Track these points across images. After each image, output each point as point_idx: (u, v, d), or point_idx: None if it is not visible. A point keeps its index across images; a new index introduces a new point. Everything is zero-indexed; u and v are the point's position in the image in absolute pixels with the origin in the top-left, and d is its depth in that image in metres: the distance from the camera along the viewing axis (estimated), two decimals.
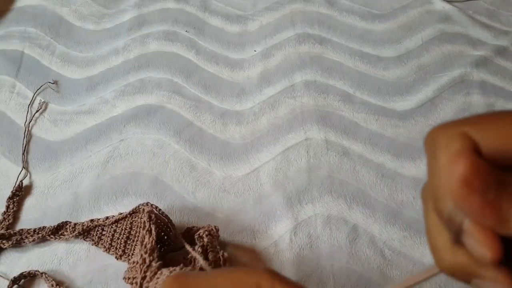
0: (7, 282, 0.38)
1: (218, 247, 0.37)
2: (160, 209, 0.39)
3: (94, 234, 0.41)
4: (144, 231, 0.35)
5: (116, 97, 0.53)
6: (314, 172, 0.46)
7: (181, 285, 0.20)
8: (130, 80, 0.55)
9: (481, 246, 0.15)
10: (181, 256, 0.38)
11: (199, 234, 0.37)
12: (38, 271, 0.39)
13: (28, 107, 0.52)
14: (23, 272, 0.38)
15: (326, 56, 0.58)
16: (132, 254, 0.39)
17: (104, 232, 0.41)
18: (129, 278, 0.35)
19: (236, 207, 0.44)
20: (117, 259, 0.39)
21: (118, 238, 0.40)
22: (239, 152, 0.48)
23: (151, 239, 0.35)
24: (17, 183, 0.45)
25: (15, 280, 0.38)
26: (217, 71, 0.56)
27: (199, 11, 0.64)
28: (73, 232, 0.41)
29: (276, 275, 0.20)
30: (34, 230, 0.41)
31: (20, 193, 0.44)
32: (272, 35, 0.61)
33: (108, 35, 0.61)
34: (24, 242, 0.41)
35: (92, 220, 0.41)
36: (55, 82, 0.55)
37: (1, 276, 0.39)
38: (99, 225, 0.41)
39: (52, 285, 0.38)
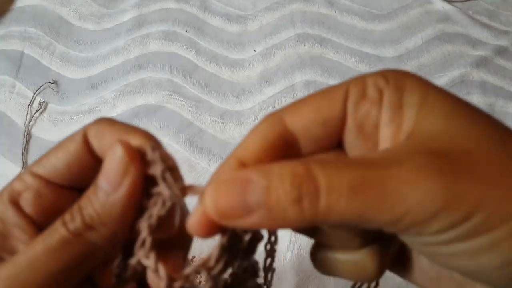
0: None
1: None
2: None
3: None
4: None
5: (116, 97, 0.53)
6: None
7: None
8: (130, 80, 0.55)
9: None
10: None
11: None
12: None
13: (28, 107, 0.52)
14: None
15: (326, 56, 0.58)
16: None
17: None
18: None
19: None
20: None
21: None
22: None
23: None
24: None
25: None
26: (217, 71, 0.56)
27: (199, 11, 0.64)
28: None
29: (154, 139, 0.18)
30: None
31: None
32: (272, 35, 0.61)
33: (108, 35, 0.61)
34: None
35: None
36: (55, 82, 0.55)
37: None
38: None
39: None
